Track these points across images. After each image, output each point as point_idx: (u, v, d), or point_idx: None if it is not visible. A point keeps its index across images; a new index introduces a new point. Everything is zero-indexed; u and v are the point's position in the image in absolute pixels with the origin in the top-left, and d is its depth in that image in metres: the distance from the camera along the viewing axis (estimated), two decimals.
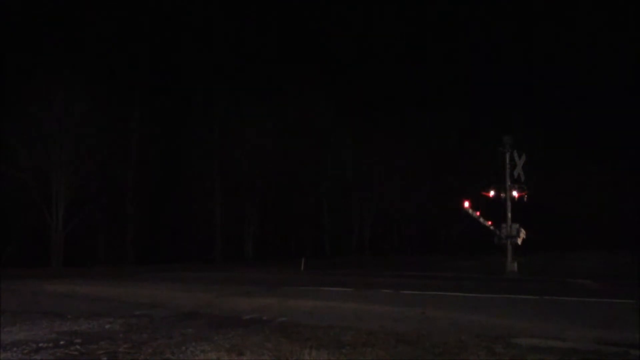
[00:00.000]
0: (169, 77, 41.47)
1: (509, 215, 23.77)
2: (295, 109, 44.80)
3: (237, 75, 42.95)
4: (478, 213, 25.15)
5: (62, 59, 32.15)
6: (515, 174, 23.64)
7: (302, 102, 44.94)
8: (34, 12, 34.39)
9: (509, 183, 23.70)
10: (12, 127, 31.42)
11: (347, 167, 50.56)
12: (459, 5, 78.12)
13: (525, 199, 23.98)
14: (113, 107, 34.91)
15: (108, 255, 37.67)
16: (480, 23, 76.61)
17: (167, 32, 41.78)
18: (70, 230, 33.21)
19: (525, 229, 24.07)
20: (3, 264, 26.36)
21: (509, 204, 23.80)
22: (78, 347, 6.67)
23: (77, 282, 18.25)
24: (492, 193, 24.29)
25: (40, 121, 31.74)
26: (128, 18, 38.16)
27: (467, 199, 25.41)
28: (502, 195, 23.92)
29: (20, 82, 31.73)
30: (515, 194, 23.72)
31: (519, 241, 23.80)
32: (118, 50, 36.72)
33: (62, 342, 6.93)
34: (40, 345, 6.78)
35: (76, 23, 34.80)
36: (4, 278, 17.87)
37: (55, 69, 31.79)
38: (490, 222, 24.85)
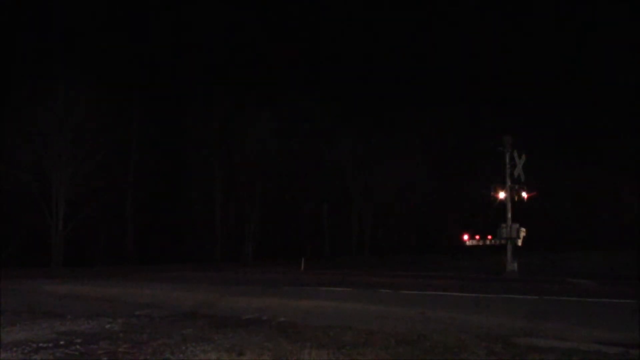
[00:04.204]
0: (168, 77, 41.52)
1: (509, 215, 23.74)
2: (295, 108, 44.81)
3: (237, 76, 42.99)
4: (478, 237, 25.24)
5: (62, 60, 32.18)
6: (516, 174, 23.60)
7: (302, 102, 44.94)
8: (34, 13, 34.43)
9: (509, 183, 23.67)
10: (12, 126, 31.44)
11: (347, 167, 50.53)
12: (460, 4, 78.10)
13: (525, 199, 23.95)
14: (113, 108, 34.94)
15: (108, 255, 37.69)
16: (481, 22, 76.60)
17: (167, 33, 41.83)
18: (70, 230, 33.21)
19: (525, 229, 24.04)
20: (3, 264, 26.35)
21: (509, 204, 23.76)
22: (78, 347, 6.66)
23: (77, 282, 18.26)
24: (492, 193, 24.29)
25: (40, 121, 31.75)
26: (128, 19, 38.22)
27: (465, 232, 25.63)
28: (503, 195, 23.90)
29: (20, 82, 31.77)
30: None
31: (519, 242, 23.77)
32: (118, 51, 36.76)
33: (62, 342, 6.92)
34: (40, 345, 6.78)
35: (76, 23, 34.85)
36: (4, 278, 17.88)
37: (55, 69, 31.81)
38: (490, 237, 24.96)
